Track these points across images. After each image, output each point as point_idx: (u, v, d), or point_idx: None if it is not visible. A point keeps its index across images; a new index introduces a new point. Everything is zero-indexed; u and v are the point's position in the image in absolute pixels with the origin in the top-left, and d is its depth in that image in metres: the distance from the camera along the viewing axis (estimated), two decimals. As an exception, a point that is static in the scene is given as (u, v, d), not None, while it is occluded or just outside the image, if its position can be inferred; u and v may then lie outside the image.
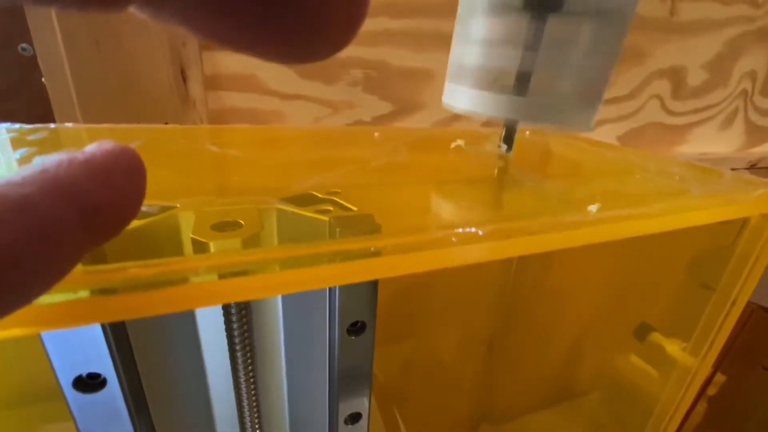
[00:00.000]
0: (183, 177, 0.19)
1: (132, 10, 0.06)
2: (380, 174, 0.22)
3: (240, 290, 0.10)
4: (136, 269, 0.09)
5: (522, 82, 0.22)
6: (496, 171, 0.24)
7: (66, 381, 0.14)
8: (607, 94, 0.57)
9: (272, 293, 0.12)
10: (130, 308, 0.09)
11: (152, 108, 0.34)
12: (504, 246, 0.12)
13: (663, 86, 0.61)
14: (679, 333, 0.52)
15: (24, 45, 0.33)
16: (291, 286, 0.11)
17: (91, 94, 0.33)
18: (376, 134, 0.26)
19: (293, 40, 0.06)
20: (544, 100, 0.23)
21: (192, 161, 0.21)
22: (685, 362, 0.44)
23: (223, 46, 0.06)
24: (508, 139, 0.24)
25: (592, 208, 0.14)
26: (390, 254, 0.11)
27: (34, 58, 0.33)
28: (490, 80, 0.23)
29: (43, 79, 0.33)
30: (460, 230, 0.11)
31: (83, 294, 0.09)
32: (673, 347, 0.53)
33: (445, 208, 0.18)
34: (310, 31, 0.06)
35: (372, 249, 0.11)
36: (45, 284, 0.07)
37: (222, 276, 0.10)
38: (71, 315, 0.09)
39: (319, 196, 0.19)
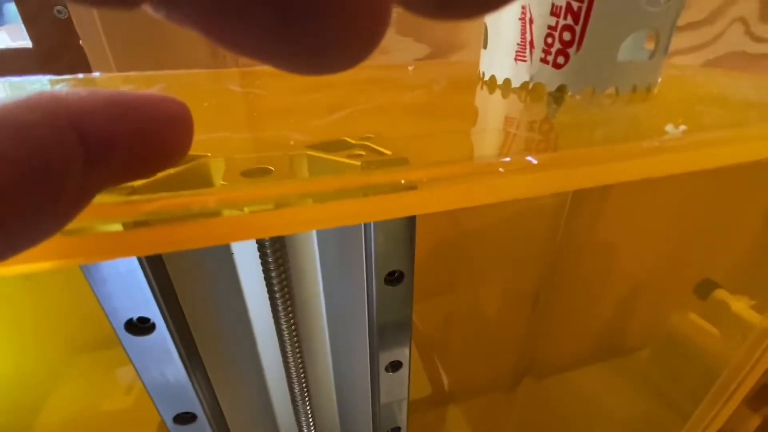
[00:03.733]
0: (210, 118, 0.18)
1: (146, 9, 0.06)
2: (416, 116, 0.20)
3: (272, 224, 0.09)
4: (168, 200, 0.09)
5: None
6: (551, 103, 0.21)
7: (118, 324, 0.15)
8: (680, 20, 0.50)
9: (306, 228, 0.11)
10: (162, 241, 0.09)
11: (184, 64, 0.34)
12: (563, 177, 0.10)
13: (748, 7, 0.52)
14: (747, 289, 0.47)
15: (59, 7, 0.33)
16: (324, 222, 0.10)
17: (125, 53, 0.33)
18: (410, 68, 0.24)
19: (310, 53, 0.06)
20: (596, 65, 0.19)
21: (219, 102, 0.21)
22: (755, 321, 0.40)
23: (236, 53, 0.06)
24: (557, 100, 0.21)
25: (671, 128, 0.11)
26: (427, 188, 0.10)
27: (70, 20, 0.33)
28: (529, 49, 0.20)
29: (80, 42, 0.33)
30: (508, 159, 0.10)
31: (116, 227, 0.08)
32: (739, 305, 0.48)
33: (490, 147, 0.16)
34: (328, 44, 0.06)
35: (407, 182, 0.10)
36: (45, 231, 0.06)
37: (253, 210, 0.09)
38: (104, 248, 0.08)
39: (351, 141, 0.18)
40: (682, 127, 0.11)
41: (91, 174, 0.07)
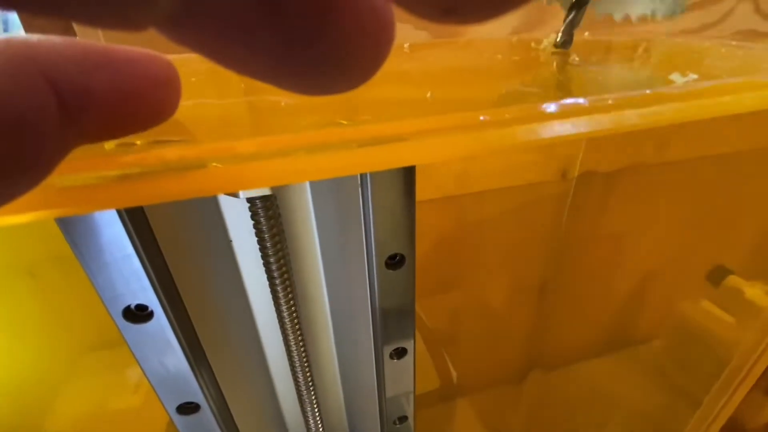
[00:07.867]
0: (197, 88, 0.18)
1: (154, 31, 0.06)
2: (417, 96, 0.20)
3: (262, 175, 0.09)
4: (153, 152, 0.09)
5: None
6: (554, 66, 0.20)
7: (115, 312, 0.15)
8: (685, -1, 0.48)
9: (298, 179, 0.11)
10: (145, 193, 0.08)
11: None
12: (570, 123, 0.09)
13: (757, -16, 0.50)
14: (762, 275, 0.46)
15: (56, 5, 0.33)
16: (316, 173, 0.10)
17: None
18: (405, 46, 0.23)
19: (314, 76, 0.06)
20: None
21: (207, 76, 0.20)
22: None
23: (241, 74, 0.06)
24: (568, 31, 0.19)
25: (677, 77, 0.11)
26: (423, 138, 0.09)
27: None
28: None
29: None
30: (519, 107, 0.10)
31: (103, 177, 0.08)
32: (754, 291, 0.47)
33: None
34: (332, 67, 0.06)
35: (404, 133, 0.10)
36: (16, 190, 0.06)
37: (242, 160, 0.09)
38: (86, 199, 0.08)
39: (347, 124, 0.17)
40: (692, 76, 0.11)
41: (67, 128, 0.06)
